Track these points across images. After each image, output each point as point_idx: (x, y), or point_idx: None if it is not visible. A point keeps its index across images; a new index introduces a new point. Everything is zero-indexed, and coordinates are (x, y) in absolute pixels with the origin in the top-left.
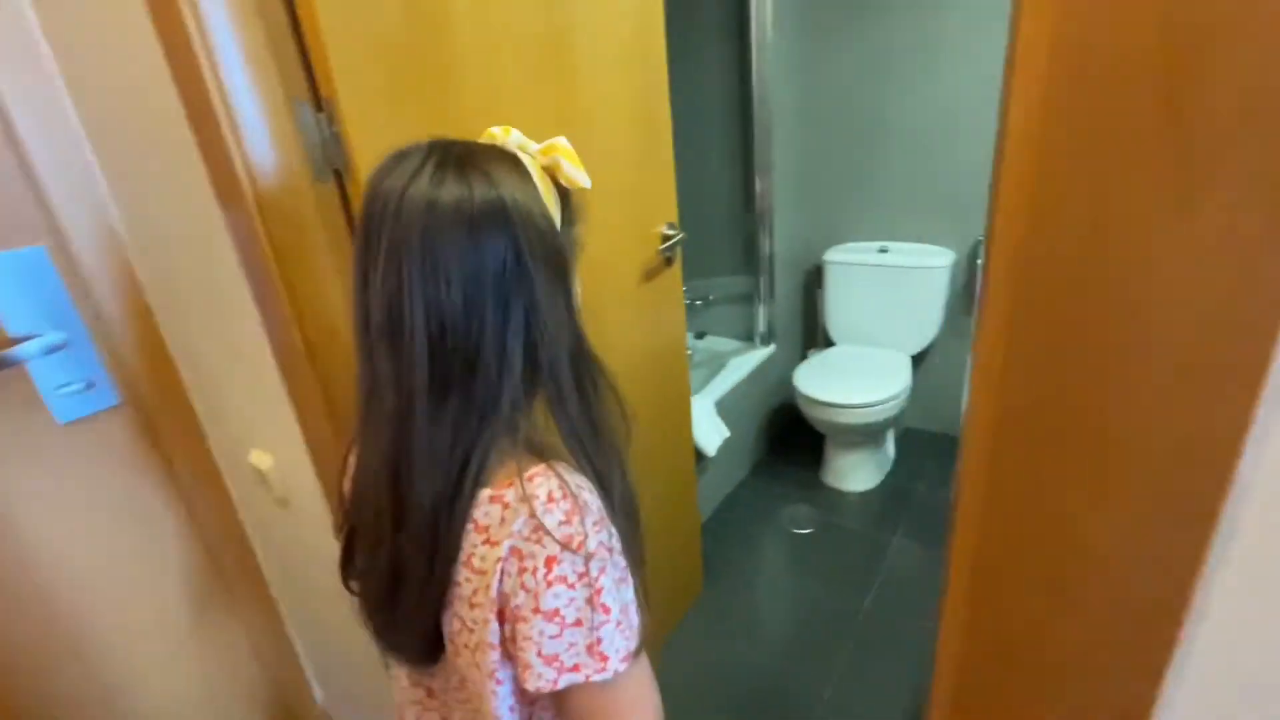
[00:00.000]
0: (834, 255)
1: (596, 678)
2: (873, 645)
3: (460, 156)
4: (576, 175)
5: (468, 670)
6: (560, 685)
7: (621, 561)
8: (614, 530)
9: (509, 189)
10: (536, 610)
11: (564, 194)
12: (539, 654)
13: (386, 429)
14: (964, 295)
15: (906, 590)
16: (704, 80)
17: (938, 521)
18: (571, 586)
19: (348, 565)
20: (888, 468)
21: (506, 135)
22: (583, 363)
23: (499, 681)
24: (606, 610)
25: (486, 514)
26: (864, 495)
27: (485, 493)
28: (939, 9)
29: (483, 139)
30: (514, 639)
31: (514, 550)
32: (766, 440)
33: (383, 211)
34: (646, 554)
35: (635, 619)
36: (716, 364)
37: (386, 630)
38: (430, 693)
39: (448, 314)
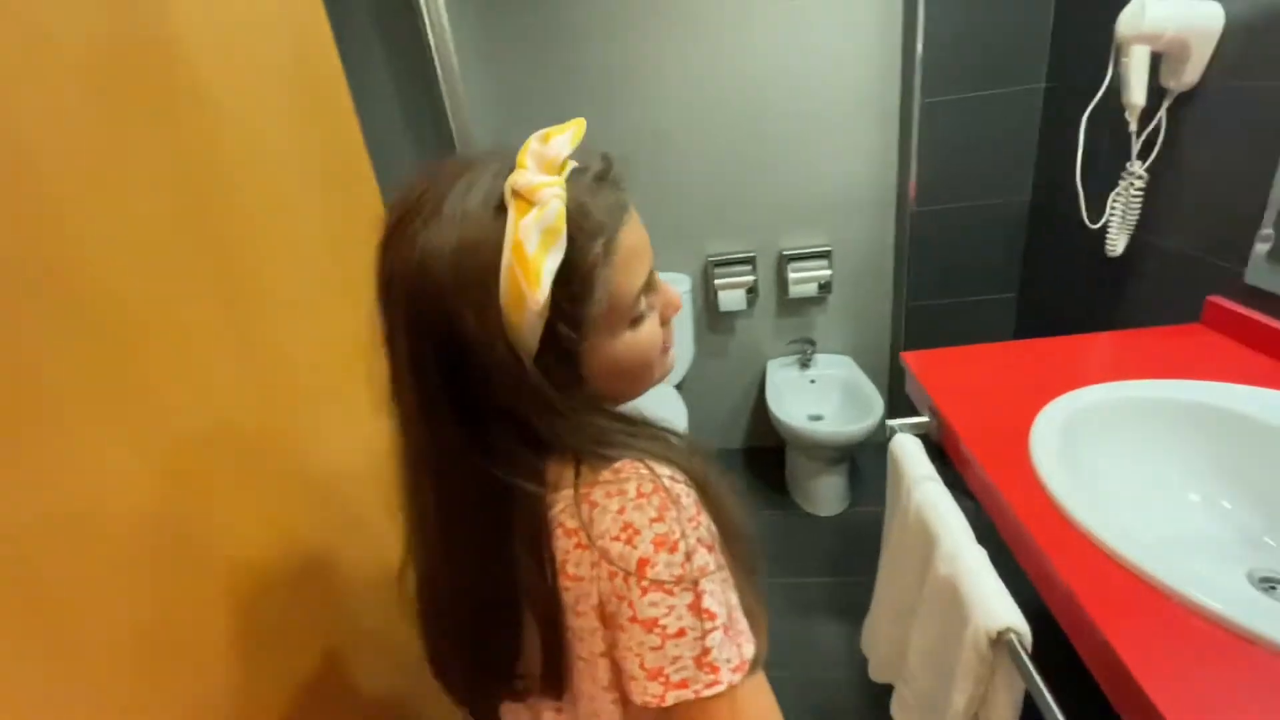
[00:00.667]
0: None
1: (708, 692)
2: None
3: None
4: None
5: (588, 688)
6: (669, 701)
7: (722, 560)
8: (713, 526)
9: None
10: (634, 619)
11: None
12: (641, 666)
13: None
14: (707, 313)
15: None
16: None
17: None
18: (670, 592)
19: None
20: None
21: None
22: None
23: (618, 694)
24: (712, 616)
25: (574, 515)
26: None
27: (566, 493)
28: (627, 30)
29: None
30: (616, 648)
31: (604, 552)
32: None
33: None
34: (752, 550)
35: (745, 623)
36: None
37: (485, 676)
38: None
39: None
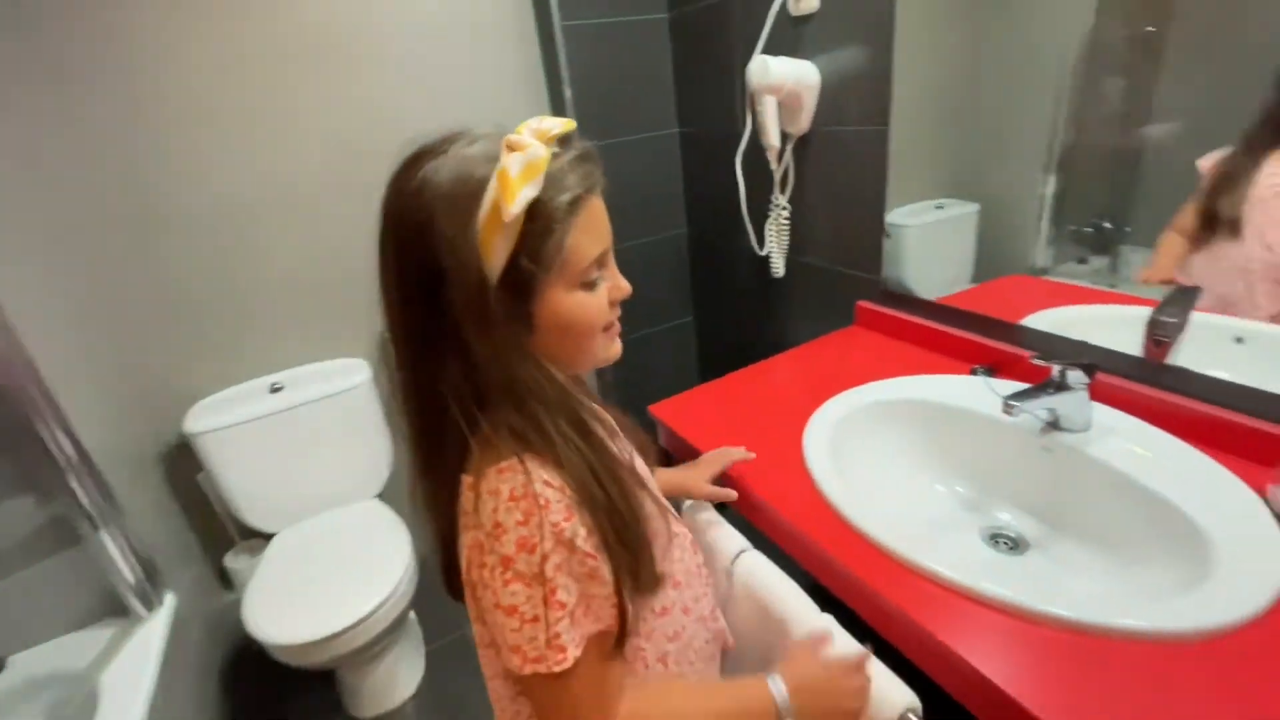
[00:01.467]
0: (201, 421)
1: (557, 668)
2: None
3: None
4: None
5: (487, 672)
6: (526, 672)
7: (584, 561)
8: (584, 531)
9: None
10: (497, 606)
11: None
12: (505, 644)
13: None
14: (395, 403)
15: None
16: None
17: None
18: (528, 585)
19: None
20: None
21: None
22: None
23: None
24: (562, 606)
25: (465, 498)
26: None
27: (466, 478)
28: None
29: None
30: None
31: (476, 543)
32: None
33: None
34: (650, 571)
35: (595, 609)
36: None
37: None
38: None
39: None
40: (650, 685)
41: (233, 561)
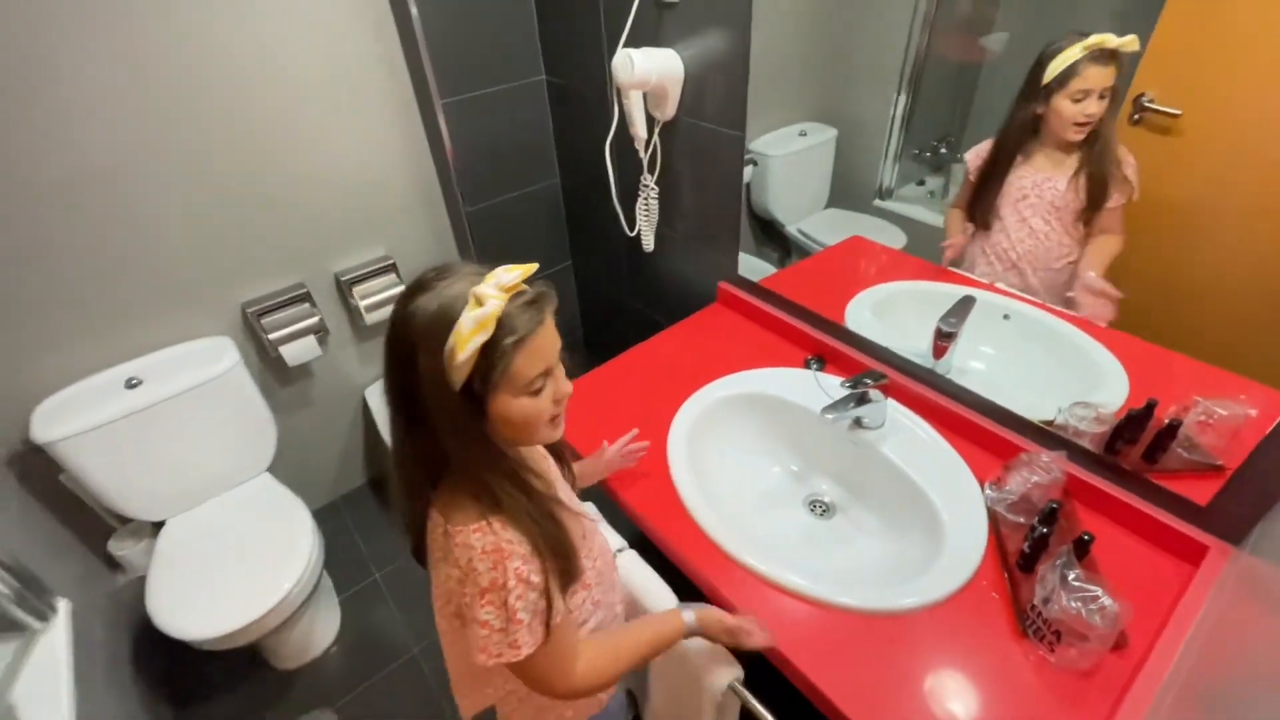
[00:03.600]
0: (52, 428)
1: (515, 658)
2: None
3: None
4: None
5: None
6: (490, 664)
7: (538, 590)
8: (536, 568)
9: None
10: (474, 619)
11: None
12: (475, 645)
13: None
14: (270, 371)
15: None
16: None
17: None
18: (497, 609)
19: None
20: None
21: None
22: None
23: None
24: (520, 622)
25: (434, 533)
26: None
27: (451, 528)
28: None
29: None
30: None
31: (460, 579)
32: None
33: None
34: (577, 568)
35: (546, 620)
36: None
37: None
38: None
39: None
40: (593, 640)
41: (117, 548)
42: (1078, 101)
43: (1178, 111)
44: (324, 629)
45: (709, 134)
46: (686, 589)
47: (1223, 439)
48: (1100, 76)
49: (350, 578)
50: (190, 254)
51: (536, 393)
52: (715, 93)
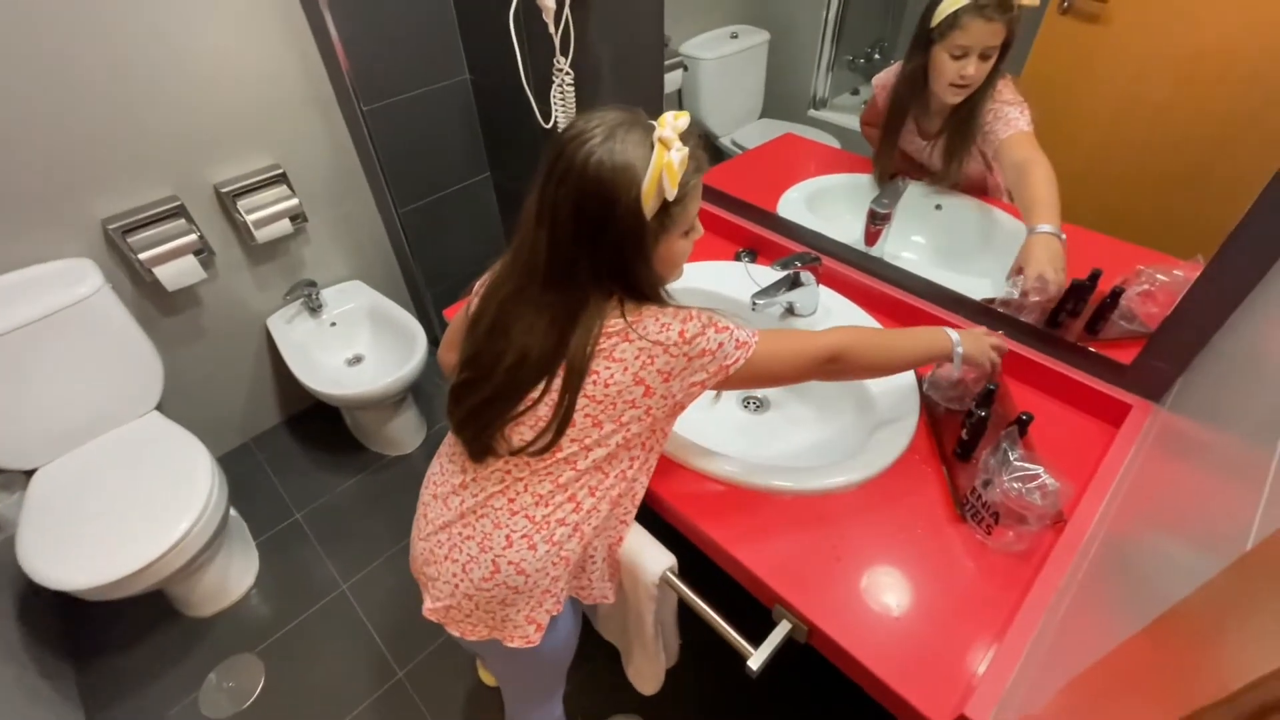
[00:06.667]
0: None
1: (754, 346)
2: None
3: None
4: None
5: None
6: (742, 365)
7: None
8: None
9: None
10: (704, 351)
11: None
12: (717, 360)
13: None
14: (150, 299)
15: None
16: None
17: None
18: (717, 329)
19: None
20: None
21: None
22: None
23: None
24: (727, 329)
25: (611, 322)
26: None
27: (614, 317)
28: None
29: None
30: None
31: (666, 346)
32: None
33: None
34: None
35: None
36: None
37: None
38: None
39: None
40: (849, 327)
41: None
42: (956, 59)
43: None
44: (240, 573)
45: (625, 7)
46: None
47: (1161, 308)
48: (984, 33)
49: (269, 520)
50: (33, 159)
51: (687, 234)
52: None
